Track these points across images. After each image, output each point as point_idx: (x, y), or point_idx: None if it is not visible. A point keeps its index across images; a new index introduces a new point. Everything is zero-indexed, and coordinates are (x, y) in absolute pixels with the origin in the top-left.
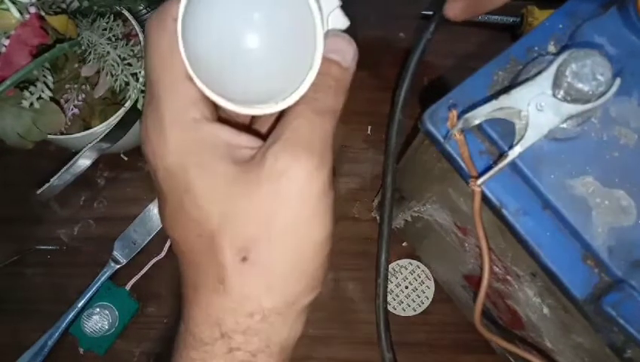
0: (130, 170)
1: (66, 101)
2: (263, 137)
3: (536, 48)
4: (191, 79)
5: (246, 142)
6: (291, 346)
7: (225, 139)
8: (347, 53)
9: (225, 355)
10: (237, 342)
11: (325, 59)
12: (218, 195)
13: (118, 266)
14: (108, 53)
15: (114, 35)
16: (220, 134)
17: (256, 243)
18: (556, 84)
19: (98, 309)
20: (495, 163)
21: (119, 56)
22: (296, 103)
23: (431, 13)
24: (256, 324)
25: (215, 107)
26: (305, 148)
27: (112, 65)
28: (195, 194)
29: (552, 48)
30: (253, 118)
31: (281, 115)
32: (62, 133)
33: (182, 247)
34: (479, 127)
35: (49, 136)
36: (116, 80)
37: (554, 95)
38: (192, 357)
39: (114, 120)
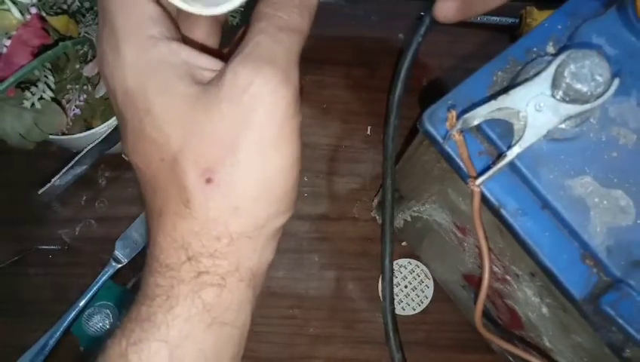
0: (131, 170)
1: (68, 101)
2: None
3: (535, 49)
4: None
5: (207, 63)
6: (262, 273)
7: (184, 59)
8: None
9: (193, 280)
10: (205, 266)
11: None
12: (179, 117)
13: (119, 266)
14: None
15: None
16: (179, 53)
17: (221, 163)
18: (555, 84)
19: (99, 309)
20: (494, 163)
21: None
22: (258, 21)
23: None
24: (224, 248)
25: (176, 27)
26: (267, 61)
27: None
28: (155, 116)
29: (550, 49)
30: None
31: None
32: (63, 134)
33: (145, 173)
34: (478, 127)
35: (50, 136)
36: None
37: (553, 95)
38: (159, 283)
39: (115, 120)
